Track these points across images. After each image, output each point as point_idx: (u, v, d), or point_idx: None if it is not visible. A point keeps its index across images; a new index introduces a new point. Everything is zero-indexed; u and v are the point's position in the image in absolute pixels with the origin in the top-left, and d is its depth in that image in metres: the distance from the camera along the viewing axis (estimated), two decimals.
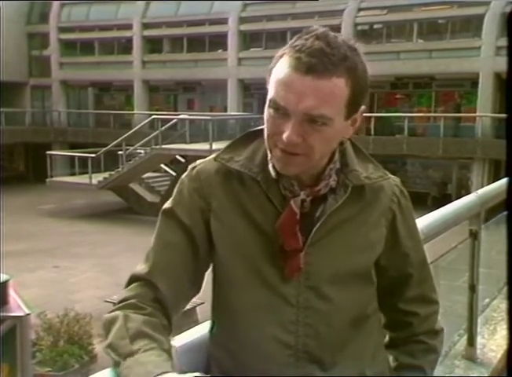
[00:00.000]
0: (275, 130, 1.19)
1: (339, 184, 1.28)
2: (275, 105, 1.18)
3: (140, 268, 1.28)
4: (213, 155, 1.33)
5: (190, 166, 1.35)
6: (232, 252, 1.28)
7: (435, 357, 1.46)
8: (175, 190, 1.34)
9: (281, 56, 1.19)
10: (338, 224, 1.27)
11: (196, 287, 1.32)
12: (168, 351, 1.13)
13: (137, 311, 1.19)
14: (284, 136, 1.17)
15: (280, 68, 1.18)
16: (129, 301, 1.22)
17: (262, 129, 1.28)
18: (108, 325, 1.19)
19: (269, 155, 1.25)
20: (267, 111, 1.21)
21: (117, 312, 1.20)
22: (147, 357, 1.08)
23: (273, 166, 1.26)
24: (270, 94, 1.19)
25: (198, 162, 1.36)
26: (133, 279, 1.27)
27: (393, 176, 1.37)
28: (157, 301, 1.23)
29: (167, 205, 1.33)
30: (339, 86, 1.15)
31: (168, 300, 1.24)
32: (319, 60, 1.13)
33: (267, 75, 1.22)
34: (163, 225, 1.32)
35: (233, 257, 1.27)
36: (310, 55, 1.13)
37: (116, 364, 1.11)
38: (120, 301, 1.23)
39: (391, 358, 1.43)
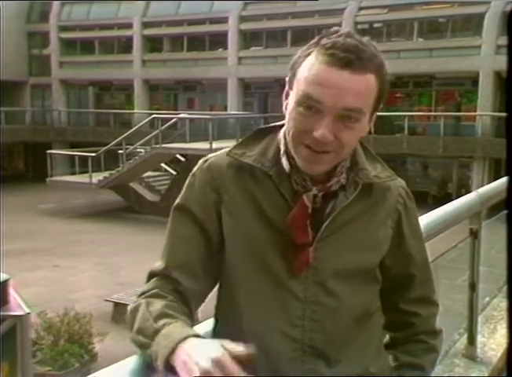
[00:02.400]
0: (303, 128, 1.20)
1: (349, 182, 1.29)
2: (309, 101, 1.18)
3: (158, 264, 1.30)
4: (224, 150, 1.35)
5: (201, 160, 1.36)
6: (242, 245, 1.28)
7: (435, 357, 1.48)
8: (186, 184, 1.35)
9: (307, 55, 1.20)
10: (347, 221, 1.28)
11: (213, 280, 1.33)
12: (191, 326, 1.16)
13: (159, 299, 1.22)
14: (317, 134, 1.17)
15: (310, 65, 1.18)
16: (151, 292, 1.25)
17: (273, 127, 1.31)
18: (132, 314, 1.21)
19: (293, 152, 1.25)
20: (294, 110, 1.20)
21: (140, 301, 1.23)
22: (171, 329, 1.11)
23: (288, 161, 1.27)
24: (300, 91, 1.19)
25: (209, 155, 1.37)
26: (152, 275, 1.30)
27: (399, 178, 1.39)
28: (177, 292, 1.25)
29: (179, 201, 1.34)
30: (372, 81, 1.18)
31: (187, 291, 1.26)
32: (356, 56, 1.15)
33: (289, 75, 1.23)
34: (176, 221, 1.33)
35: (242, 250, 1.28)
36: (347, 51, 1.15)
37: (145, 347, 1.14)
38: (141, 294, 1.26)
39: (391, 358, 1.43)
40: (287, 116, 1.24)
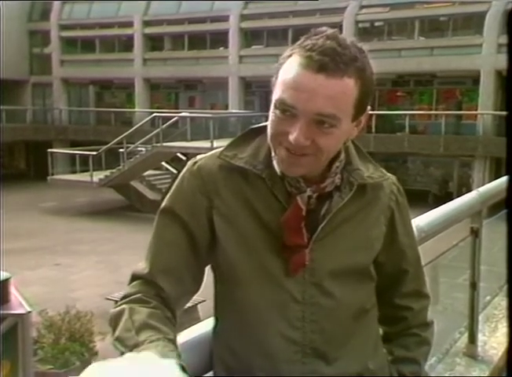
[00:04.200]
0: (280, 130, 1.18)
1: (343, 182, 1.29)
2: (282, 105, 1.16)
3: (142, 267, 1.28)
4: (214, 151, 1.33)
5: (190, 162, 1.34)
6: (238, 249, 1.27)
7: (428, 349, 1.50)
8: (174, 186, 1.33)
9: (289, 56, 1.18)
10: (342, 221, 1.28)
11: (198, 283, 1.32)
12: (173, 341, 1.15)
13: (142, 304, 1.21)
14: (291, 137, 1.16)
15: (289, 67, 1.17)
16: (134, 296, 1.23)
17: (265, 126, 1.28)
18: (115, 319, 1.20)
19: (273, 153, 1.25)
20: (272, 113, 1.19)
21: (123, 306, 1.21)
22: (152, 348, 1.09)
23: (278, 164, 1.26)
24: (277, 94, 1.18)
25: (198, 157, 1.34)
26: (135, 277, 1.28)
27: (389, 174, 1.39)
28: (160, 297, 1.24)
29: (166, 203, 1.32)
30: (350, 86, 1.15)
31: (171, 297, 1.25)
32: (331, 59, 1.12)
33: (273, 77, 1.21)
34: (163, 224, 1.31)
35: (238, 253, 1.27)
36: (322, 53, 1.13)
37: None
38: (124, 297, 1.25)
39: (385, 351, 1.45)
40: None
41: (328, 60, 1.12)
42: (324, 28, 1.19)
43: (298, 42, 1.19)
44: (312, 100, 1.13)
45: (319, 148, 1.18)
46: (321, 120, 1.15)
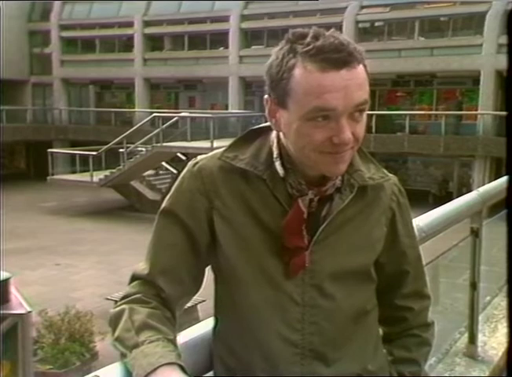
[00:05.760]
0: (322, 138, 1.17)
1: (344, 184, 1.28)
2: (321, 113, 1.15)
3: (142, 268, 1.28)
4: (215, 151, 1.32)
5: (191, 163, 1.33)
6: (238, 250, 1.27)
7: (428, 350, 1.50)
8: (174, 187, 1.32)
9: (291, 69, 1.16)
10: (342, 223, 1.28)
11: (198, 284, 1.32)
12: (173, 341, 1.15)
13: (142, 305, 1.21)
14: (342, 138, 1.16)
15: (304, 78, 1.15)
16: (134, 297, 1.24)
17: (266, 127, 1.29)
18: (115, 319, 1.20)
19: (308, 164, 1.23)
20: (303, 125, 1.17)
21: (123, 306, 1.22)
22: (152, 349, 1.10)
23: (282, 166, 1.26)
24: (305, 107, 1.15)
25: (199, 157, 1.34)
26: (135, 278, 1.29)
27: (390, 174, 1.39)
28: (160, 297, 1.25)
29: (166, 204, 1.31)
30: (363, 70, 1.18)
31: (171, 297, 1.25)
32: (346, 53, 1.15)
33: (274, 93, 1.20)
34: (163, 225, 1.31)
35: (239, 254, 1.27)
36: (336, 51, 1.14)
37: (123, 356, 1.14)
38: (124, 297, 1.25)
39: (385, 352, 1.45)
40: (288, 133, 1.21)
41: (344, 55, 1.14)
42: (299, 30, 1.19)
43: (288, 52, 1.17)
44: (348, 95, 1.15)
45: (357, 139, 1.20)
46: (359, 110, 1.17)
